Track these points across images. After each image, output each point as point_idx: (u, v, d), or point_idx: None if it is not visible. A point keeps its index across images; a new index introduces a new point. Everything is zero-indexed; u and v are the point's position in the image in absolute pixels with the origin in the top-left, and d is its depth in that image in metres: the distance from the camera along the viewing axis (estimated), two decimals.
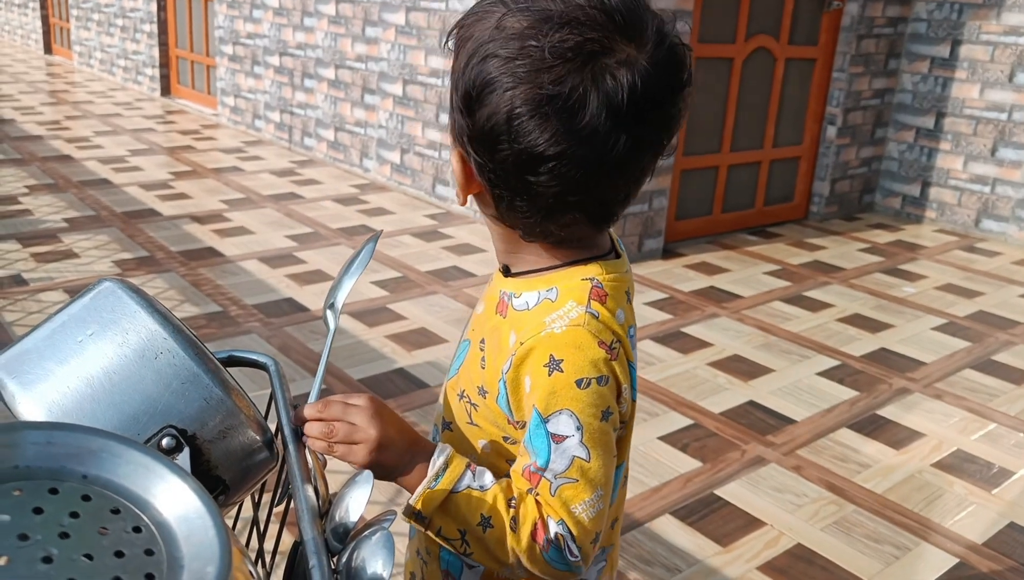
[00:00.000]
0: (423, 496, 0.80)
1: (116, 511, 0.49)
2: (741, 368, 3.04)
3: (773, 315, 3.55)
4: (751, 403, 2.79)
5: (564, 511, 0.79)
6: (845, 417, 2.73)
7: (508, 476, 0.84)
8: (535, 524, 0.79)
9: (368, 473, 0.70)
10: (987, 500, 2.33)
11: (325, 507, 0.74)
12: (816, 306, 3.69)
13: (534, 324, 0.82)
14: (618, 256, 0.89)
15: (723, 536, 2.11)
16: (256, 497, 0.95)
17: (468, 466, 0.82)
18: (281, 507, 0.89)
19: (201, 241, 4.09)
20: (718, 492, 2.30)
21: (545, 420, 0.79)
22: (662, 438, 2.54)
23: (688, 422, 2.65)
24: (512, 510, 0.80)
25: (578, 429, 0.79)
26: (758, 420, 2.69)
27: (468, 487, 0.80)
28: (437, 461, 0.81)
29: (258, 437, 0.79)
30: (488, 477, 0.81)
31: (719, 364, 3.06)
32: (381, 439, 0.81)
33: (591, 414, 0.79)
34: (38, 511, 0.47)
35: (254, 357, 1.00)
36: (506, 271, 0.90)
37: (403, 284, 3.67)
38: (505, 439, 0.87)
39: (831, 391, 2.91)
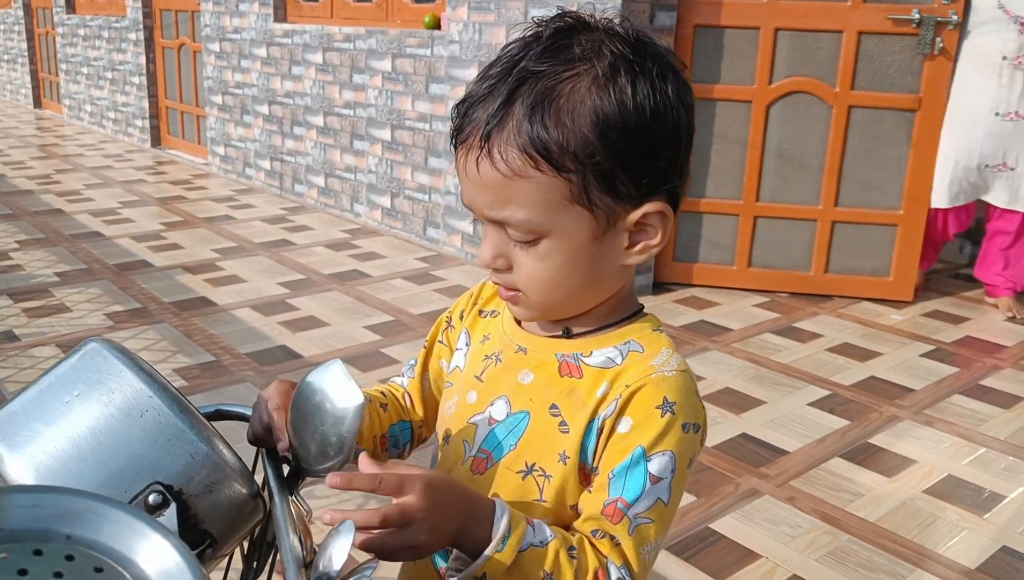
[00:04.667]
0: (489, 561, 0.76)
1: (99, 569, 0.51)
2: (733, 401, 3.06)
3: (763, 347, 3.58)
4: (744, 435, 2.81)
5: (633, 551, 0.80)
6: (837, 446, 2.75)
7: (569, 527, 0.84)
8: (596, 573, 0.79)
9: (350, 523, 0.69)
10: (979, 525, 2.34)
11: (310, 557, 0.76)
12: (805, 337, 3.71)
13: (640, 369, 0.84)
14: None
15: (719, 570, 2.11)
16: (246, 547, 0.96)
17: (528, 521, 0.79)
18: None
19: (194, 291, 4.11)
20: (713, 526, 2.30)
21: (648, 458, 0.81)
22: None
23: None
24: (574, 560, 0.79)
25: (672, 472, 0.81)
26: (751, 452, 2.70)
27: (531, 544, 0.78)
28: (501, 522, 0.77)
29: (244, 490, 0.81)
30: (547, 530, 0.80)
31: (711, 398, 3.07)
32: (433, 506, 0.75)
33: (684, 460, 0.82)
34: (23, 572, 0.49)
35: (241, 410, 1.03)
36: (566, 333, 0.90)
37: (396, 327, 3.69)
38: (571, 507, 0.86)
39: (822, 421, 2.92)
